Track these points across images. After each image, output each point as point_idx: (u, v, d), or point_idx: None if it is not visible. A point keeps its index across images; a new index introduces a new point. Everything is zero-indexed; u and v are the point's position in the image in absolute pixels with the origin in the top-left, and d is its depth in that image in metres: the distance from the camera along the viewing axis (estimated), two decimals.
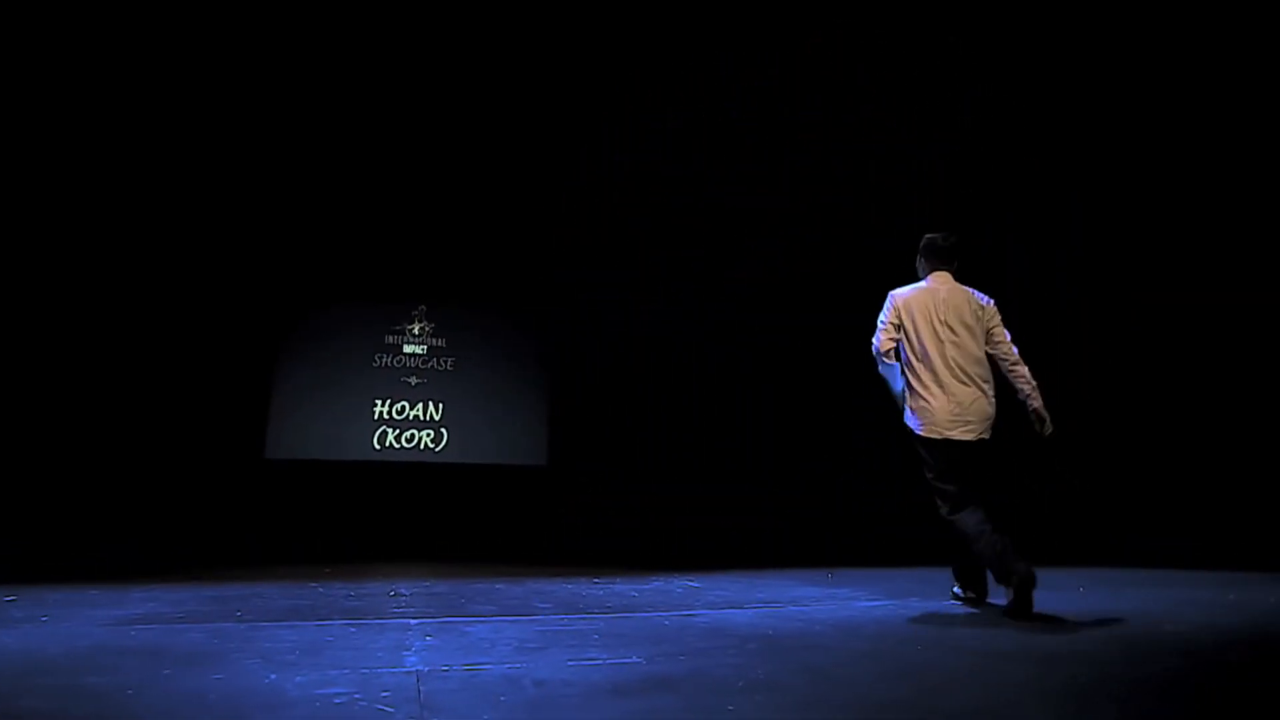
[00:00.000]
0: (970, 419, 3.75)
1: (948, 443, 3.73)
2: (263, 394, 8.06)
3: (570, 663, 2.33)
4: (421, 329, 8.56)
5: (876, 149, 8.07)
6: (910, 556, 6.63)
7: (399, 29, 6.93)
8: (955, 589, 3.95)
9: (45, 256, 7.38)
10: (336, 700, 1.85)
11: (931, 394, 3.76)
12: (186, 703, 1.82)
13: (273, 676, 2.09)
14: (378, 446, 8.26)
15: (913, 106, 7.91)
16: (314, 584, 4.61)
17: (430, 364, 8.50)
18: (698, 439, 8.48)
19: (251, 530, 7.52)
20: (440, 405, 8.44)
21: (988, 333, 3.88)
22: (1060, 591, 4.39)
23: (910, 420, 3.85)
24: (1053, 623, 3.20)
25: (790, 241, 8.38)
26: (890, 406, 4.08)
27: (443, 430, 8.40)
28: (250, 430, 7.97)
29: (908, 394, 3.87)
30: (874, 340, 3.92)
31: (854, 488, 8.28)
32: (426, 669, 2.22)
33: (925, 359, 3.81)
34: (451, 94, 7.57)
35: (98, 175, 7.35)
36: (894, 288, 4.07)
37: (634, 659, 2.37)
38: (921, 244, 4.11)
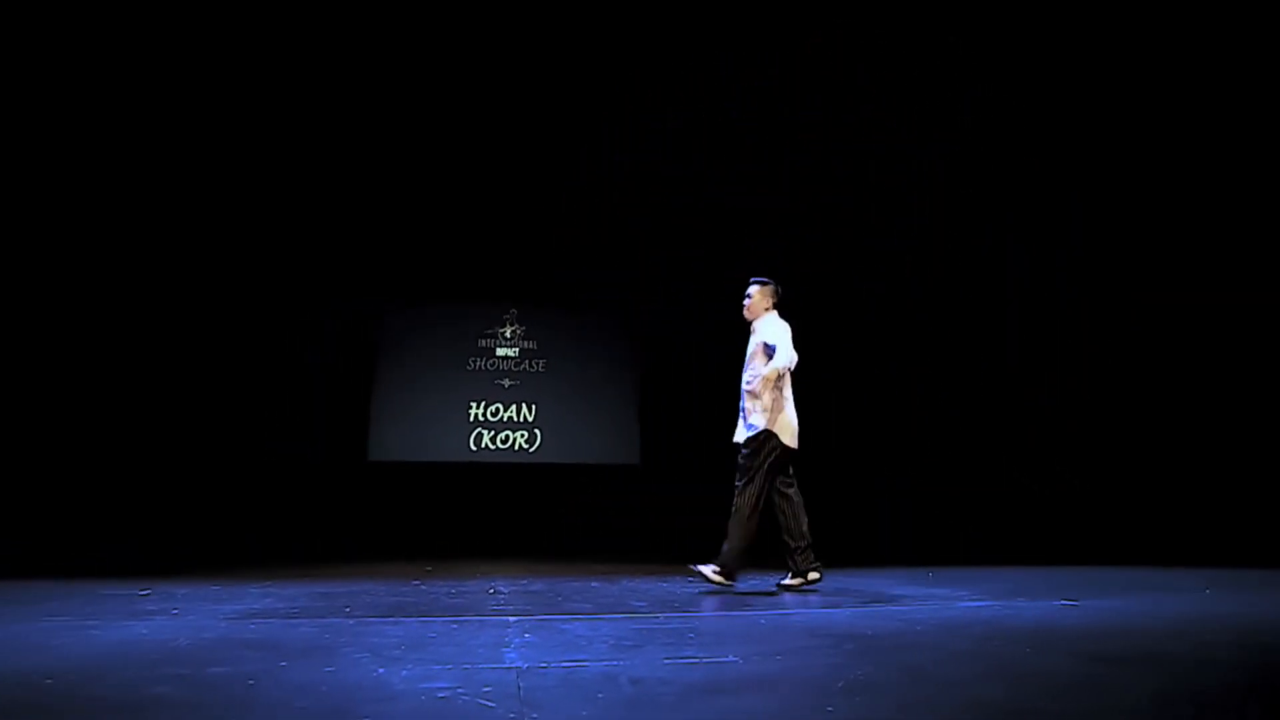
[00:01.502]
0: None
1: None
2: (363, 400, 8.40)
3: (666, 661, 2.33)
4: (513, 331, 8.73)
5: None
6: (1011, 556, 6.40)
7: (503, 38, 7.11)
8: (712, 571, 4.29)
9: (157, 258, 7.87)
10: (440, 694, 1.91)
11: (789, 411, 4.40)
12: (301, 694, 1.91)
13: (380, 670, 2.17)
14: (474, 448, 8.48)
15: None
16: (417, 581, 4.76)
17: (522, 366, 8.68)
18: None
19: (357, 530, 7.85)
20: (533, 406, 8.60)
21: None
22: (1183, 594, 4.15)
23: (769, 426, 4.32)
24: (1174, 626, 3.02)
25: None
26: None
27: (536, 431, 8.56)
28: (353, 434, 8.32)
29: (771, 409, 4.34)
30: (789, 357, 4.32)
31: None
32: (526, 665, 2.26)
33: (787, 382, 4.45)
34: (518, 103, 7.73)
35: (201, 176, 7.77)
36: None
37: (730, 658, 2.36)
38: (773, 286, 4.68)
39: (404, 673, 2.14)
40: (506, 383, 8.64)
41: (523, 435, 8.52)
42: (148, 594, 4.02)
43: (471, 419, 8.50)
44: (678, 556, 6.53)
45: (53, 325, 7.35)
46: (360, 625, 3.01)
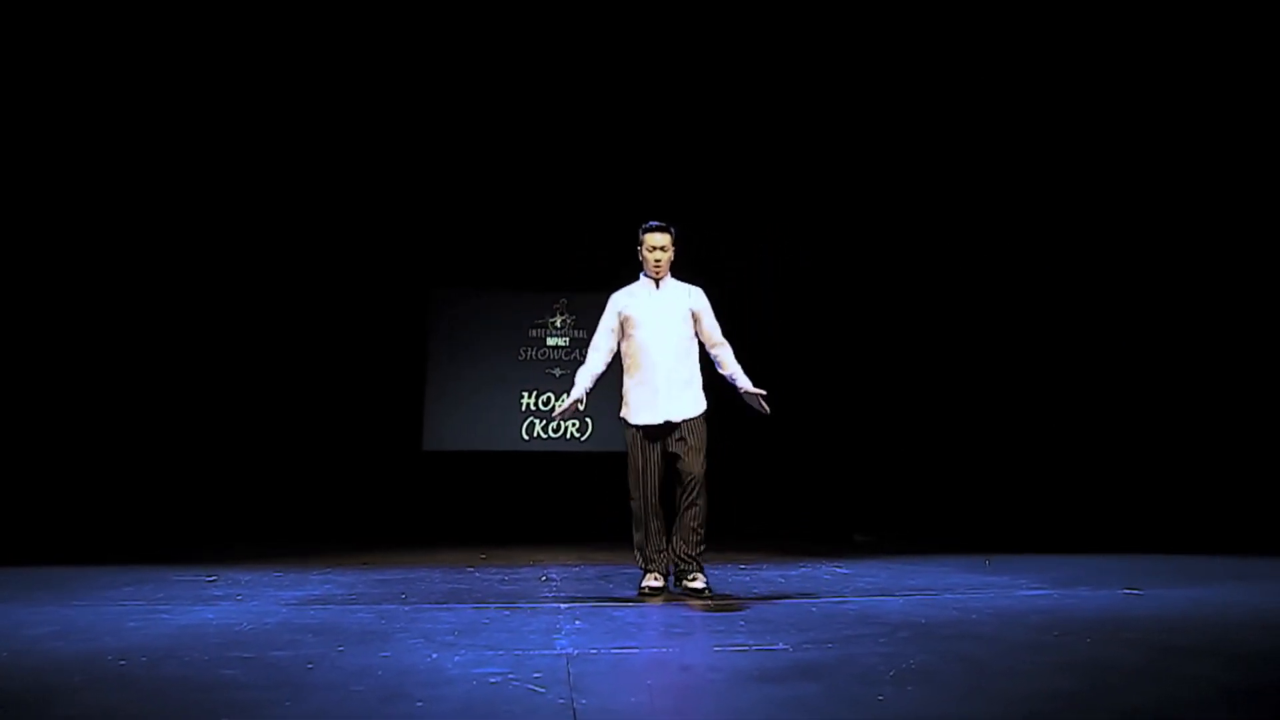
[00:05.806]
0: None
1: None
2: (418, 392, 8.55)
3: (716, 648, 2.33)
4: (563, 321, 8.78)
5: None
6: (1076, 544, 6.24)
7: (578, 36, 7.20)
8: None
9: (235, 244, 8.11)
10: (492, 680, 1.93)
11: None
12: (357, 677, 1.96)
13: (434, 656, 2.22)
14: (526, 437, 8.56)
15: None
16: (471, 569, 4.84)
17: (573, 355, 8.72)
18: None
19: (414, 517, 8.01)
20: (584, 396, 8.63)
21: None
22: (1257, 582, 3.99)
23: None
24: (1247, 616, 2.91)
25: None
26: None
27: (587, 420, 8.61)
28: (408, 424, 8.48)
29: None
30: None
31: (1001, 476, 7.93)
32: (576, 652, 2.29)
33: None
34: (581, 96, 7.75)
35: (271, 160, 8.00)
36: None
37: (780, 646, 2.35)
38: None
39: (457, 658, 2.18)
40: (558, 372, 8.70)
41: (574, 424, 8.57)
42: (214, 580, 4.16)
43: (524, 409, 8.59)
44: (728, 544, 6.52)
45: (102, 314, 7.62)
46: (415, 611, 3.07)
